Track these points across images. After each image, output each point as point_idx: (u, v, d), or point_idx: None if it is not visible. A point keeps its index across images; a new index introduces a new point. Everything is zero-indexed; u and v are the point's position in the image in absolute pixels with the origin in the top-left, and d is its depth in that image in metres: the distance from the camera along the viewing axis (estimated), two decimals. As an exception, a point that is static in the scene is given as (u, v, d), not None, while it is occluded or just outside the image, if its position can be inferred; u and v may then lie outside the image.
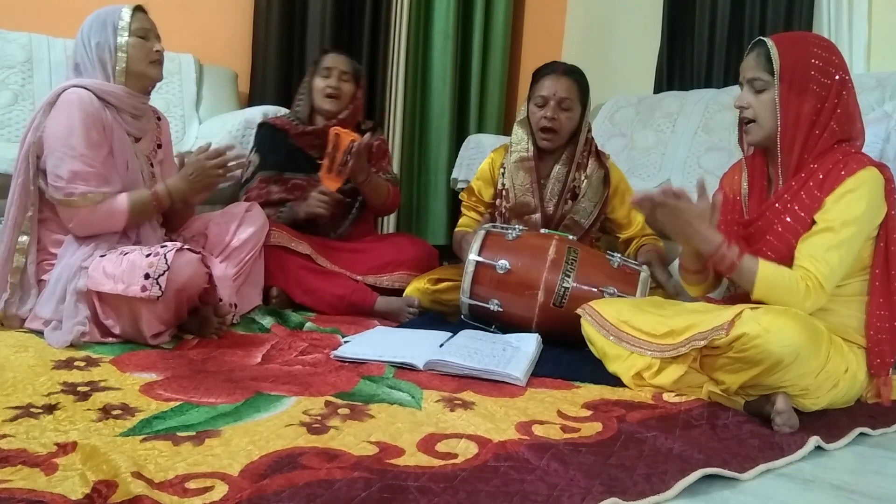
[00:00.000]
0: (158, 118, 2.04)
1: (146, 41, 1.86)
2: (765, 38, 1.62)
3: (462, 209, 2.47)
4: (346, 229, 2.50)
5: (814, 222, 1.53)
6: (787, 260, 1.54)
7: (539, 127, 2.23)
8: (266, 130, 2.52)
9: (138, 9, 1.87)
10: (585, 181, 2.25)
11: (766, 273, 1.51)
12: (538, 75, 2.26)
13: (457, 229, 2.46)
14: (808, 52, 1.56)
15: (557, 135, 2.22)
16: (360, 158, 2.30)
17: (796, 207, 1.56)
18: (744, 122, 1.66)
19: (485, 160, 2.43)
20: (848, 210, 1.50)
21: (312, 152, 2.45)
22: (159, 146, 2.00)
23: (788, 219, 1.56)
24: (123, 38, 1.81)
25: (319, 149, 2.40)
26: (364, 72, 2.60)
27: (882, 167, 1.56)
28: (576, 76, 2.25)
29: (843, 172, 1.51)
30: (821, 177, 1.54)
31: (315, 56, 3.44)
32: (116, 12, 1.84)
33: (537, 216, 2.25)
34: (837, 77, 1.55)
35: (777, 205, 1.59)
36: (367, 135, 2.36)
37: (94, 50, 1.82)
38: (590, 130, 2.31)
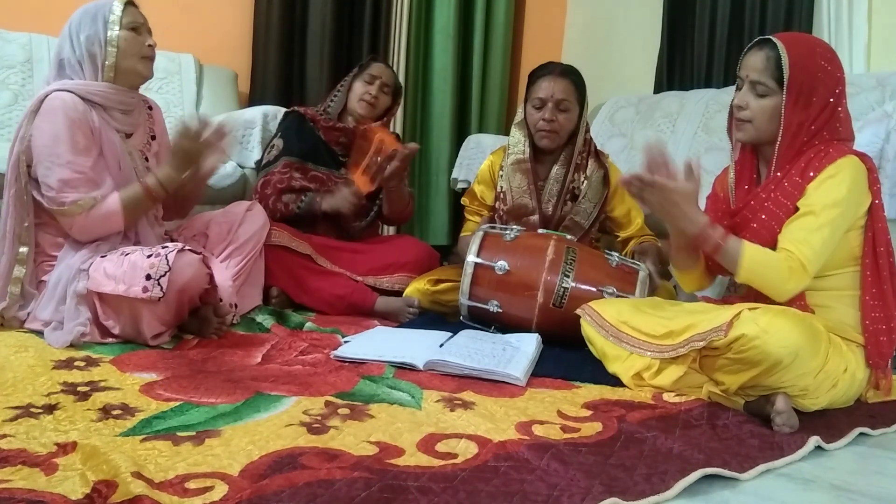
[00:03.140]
0: (150, 107, 2.00)
1: (138, 35, 1.82)
2: (774, 40, 1.59)
3: (465, 214, 2.47)
4: (362, 228, 2.52)
5: (797, 209, 1.55)
6: (770, 246, 1.56)
7: (537, 129, 2.22)
8: (294, 118, 2.52)
9: (129, 2, 1.83)
10: (585, 182, 2.25)
11: (750, 253, 1.52)
12: (534, 77, 2.26)
13: (462, 235, 2.45)
14: (816, 64, 1.56)
15: (557, 136, 2.22)
16: (402, 165, 2.32)
17: (779, 195, 1.58)
18: (737, 119, 1.65)
19: (484, 163, 2.42)
20: (828, 194, 1.51)
21: (337, 148, 2.47)
22: (153, 138, 1.97)
23: (771, 206, 1.58)
24: (114, 32, 1.78)
25: (345, 146, 2.43)
26: (402, 90, 2.62)
27: (863, 156, 1.58)
28: (573, 77, 2.25)
29: (823, 161, 1.54)
30: (803, 165, 1.56)
31: (315, 56, 3.49)
32: (107, 6, 1.79)
33: (535, 218, 2.24)
34: (838, 90, 1.57)
35: (762, 194, 1.61)
36: (414, 145, 2.37)
37: (84, 44, 1.77)
38: (588, 131, 2.31)
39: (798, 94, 1.55)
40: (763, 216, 1.59)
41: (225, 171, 2.68)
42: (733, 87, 3.21)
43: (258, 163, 2.57)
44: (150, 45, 1.85)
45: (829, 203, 1.51)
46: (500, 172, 2.32)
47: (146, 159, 1.92)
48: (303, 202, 2.39)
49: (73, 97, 1.75)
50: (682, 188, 1.53)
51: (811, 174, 1.54)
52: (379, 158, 2.32)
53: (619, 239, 2.36)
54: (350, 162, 2.37)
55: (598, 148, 2.38)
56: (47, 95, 1.75)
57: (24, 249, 1.77)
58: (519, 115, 2.30)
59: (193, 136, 1.80)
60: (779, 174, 1.59)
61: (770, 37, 1.61)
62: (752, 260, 1.52)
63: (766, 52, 1.59)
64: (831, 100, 1.57)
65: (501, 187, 2.30)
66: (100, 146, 1.79)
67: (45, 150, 1.72)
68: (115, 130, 1.84)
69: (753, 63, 1.61)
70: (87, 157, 1.75)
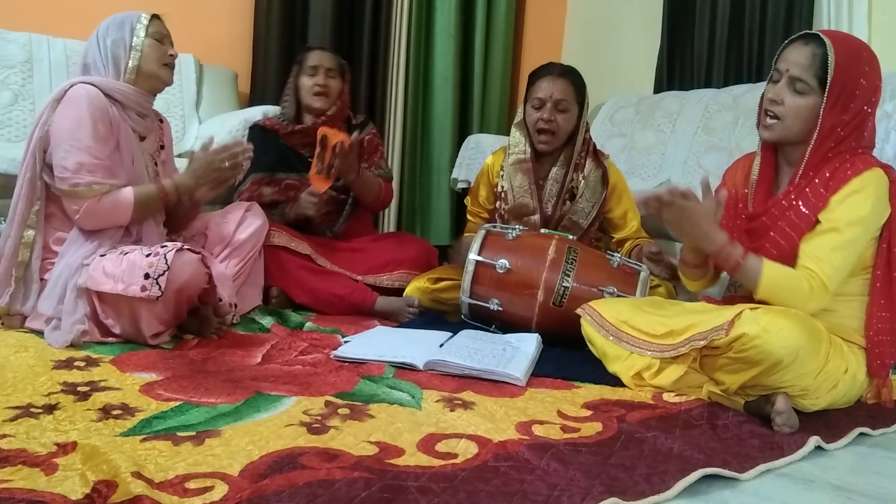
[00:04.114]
0: (161, 120, 2.06)
1: (161, 44, 1.90)
2: (822, 37, 1.53)
3: (468, 215, 2.47)
4: (341, 227, 2.50)
5: (818, 221, 1.52)
6: (789, 257, 1.54)
7: (536, 129, 2.22)
8: (257, 132, 2.52)
9: (156, 16, 1.92)
10: (583, 182, 2.25)
11: (770, 273, 1.50)
12: (534, 77, 2.27)
13: (464, 235, 2.45)
14: (860, 69, 1.51)
15: (555, 136, 2.22)
16: (347, 157, 2.28)
17: (801, 205, 1.55)
18: (766, 113, 1.60)
19: (484, 163, 2.43)
20: (853, 210, 1.49)
21: (304, 151, 2.45)
22: (162, 147, 2.03)
23: (793, 216, 1.56)
24: (140, 39, 1.86)
25: (310, 147, 2.40)
26: (349, 66, 2.59)
27: (888, 168, 1.55)
28: (572, 77, 2.25)
29: (849, 172, 1.51)
30: (827, 175, 1.53)
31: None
32: (136, 15, 1.89)
33: (536, 217, 2.25)
34: (874, 98, 1.54)
35: (783, 202, 1.59)
36: (356, 133, 2.35)
37: (110, 47, 1.85)
38: (587, 131, 2.31)
39: (838, 97, 1.50)
40: (783, 225, 1.57)
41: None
42: (733, 87, 3.21)
43: None
44: (171, 55, 1.92)
45: (853, 220, 1.48)
46: (501, 172, 2.32)
47: (155, 163, 1.97)
48: (274, 215, 2.39)
49: (96, 90, 1.80)
50: (700, 207, 1.51)
51: (835, 185, 1.51)
52: (326, 154, 2.29)
53: (613, 240, 2.36)
54: (311, 171, 2.37)
55: (599, 148, 2.38)
56: (72, 86, 1.80)
57: (30, 233, 1.80)
58: (519, 116, 2.30)
59: (225, 154, 1.89)
60: (802, 181, 1.56)
61: (817, 32, 1.55)
62: (772, 280, 1.50)
63: (812, 49, 1.52)
64: (866, 107, 1.53)
65: (502, 187, 2.31)
66: (117, 139, 1.83)
67: (66, 133, 1.76)
68: (130, 128, 1.88)
69: (797, 58, 1.54)
70: (106, 146, 1.79)
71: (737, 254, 1.52)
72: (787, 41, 1.60)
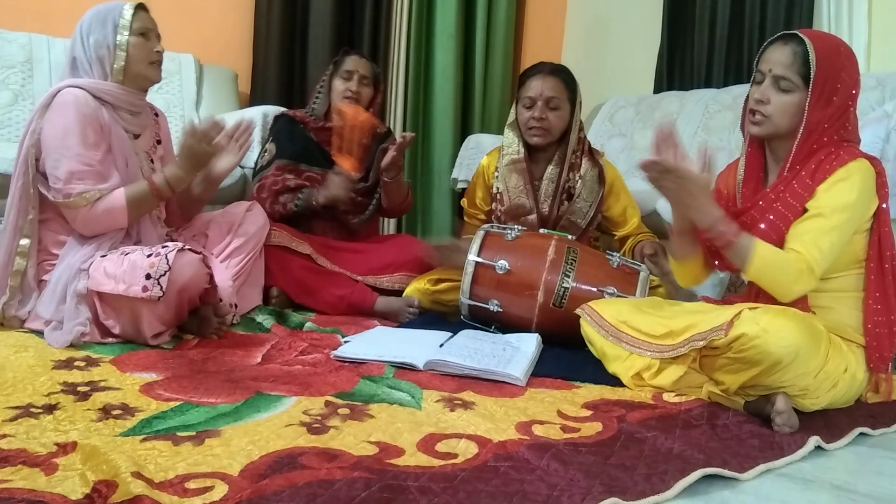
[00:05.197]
0: (156, 114, 2.03)
1: (147, 41, 1.84)
2: (801, 36, 1.56)
3: (465, 216, 2.47)
4: (361, 223, 2.52)
5: (805, 210, 1.54)
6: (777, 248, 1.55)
7: (527, 127, 2.23)
8: (284, 121, 2.53)
9: (140, 7, 1.85)
10: (580, 181, 2.25)
11: (761, 252, 1.51)
12: (525, 77, 2.27)
13: (463, 237, 2.44)
14: (840, 63, 1.54)
15: (547, 132, 2.22)
16: (398, 155, 2.32)
17: (788, 196, 1.57)
18: (753, 113, 1.62)
19: (479, 164, 2.43)
20: (839, 197, 1.51)
21: (328, 148, 2.46)
22: (158, 142, 1.99)
23: (780, 207, 1.57)
24: (124, 37, 1.79)
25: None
26: (383, 76, 2.60)
27: (873, 160, 1.57)
28: (562, 75, 2.25)
29: (834, 163, 1.53)
30: (813, 167, 1.55)
31: (316, 56, 3.48)
32: (118, 9, 1.81)
33: (533, 217, 2.25)
34: (854, 92, 1.57)
35: (771, 194, 1.60)
36: (409, 134, 2.37)
37: (93, 47, 1.79)
38: (581, 129, 2.31)
39: (821, 92, 1.53)
40: (771, 217, 1.58)
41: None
42: (733, 87, 3.21)
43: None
44: (157, 51, 1.87)
45: (839, 206, 1.50)
46: (496, 173, 2.32)
47: (151, 161, 1.94)
48: (300, 199, 2.39)
49: (84, 93, 1.76)
50: (699, 180, 1.53)
51: (821, 176, 1.53)
52: (344, 130, 2.29)
53: (615, 238, 2.36)
54: (333, 150, 2.37)
55: (594, 147, 2.38)
56: (59, 91, 1.76)
57: (25, 242, 1.78)
58: (511, 116, 2.30)
59: (201, 137, 1.81)
60: (789, 174, 1.58)
61: (796, 32, 1.58)
62: (762, 259, 1.51)
63: (793, 48, 1.56)
64: (848, 100, 1.56)
65: (498, 188, 2.31)
66: (108, 142, 1.80)
67: (56, 141, 1.73)
68: (123, 129, 1.85)
69: (779, 57, 1.57)
70: (96, 152, 1.76)
71: (731, 230, 1.53)
72: (765, 43, 1.63)
